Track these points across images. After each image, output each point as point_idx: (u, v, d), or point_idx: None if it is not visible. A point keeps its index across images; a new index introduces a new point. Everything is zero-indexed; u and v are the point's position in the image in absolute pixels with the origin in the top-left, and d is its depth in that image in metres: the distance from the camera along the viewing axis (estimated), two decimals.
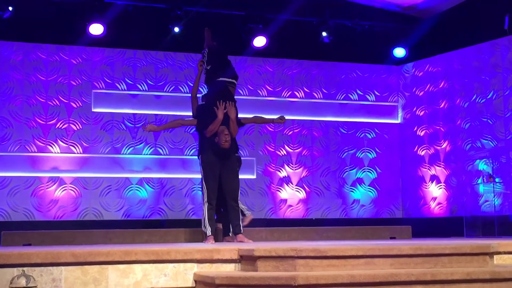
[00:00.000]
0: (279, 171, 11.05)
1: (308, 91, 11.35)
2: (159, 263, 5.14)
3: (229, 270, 5.29)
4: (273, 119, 8.18)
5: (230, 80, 7.86)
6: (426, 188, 11.21)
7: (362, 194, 11.40)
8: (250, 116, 8.60)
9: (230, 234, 7.68)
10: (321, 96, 11.42)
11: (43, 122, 10.05)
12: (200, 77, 8.16)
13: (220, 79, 7.81)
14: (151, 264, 5.14)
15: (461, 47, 10.81)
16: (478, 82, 10.54)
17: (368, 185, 11.45)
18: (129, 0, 10.04)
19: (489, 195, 9.97)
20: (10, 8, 9.48)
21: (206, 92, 8.28)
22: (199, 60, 8.24)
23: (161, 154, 10.49)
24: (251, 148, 10.88)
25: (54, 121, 10.10)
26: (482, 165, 10.23)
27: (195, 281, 5.22)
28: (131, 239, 8.00)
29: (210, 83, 7.96)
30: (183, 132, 10.47)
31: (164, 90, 10.64)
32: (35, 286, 4.82)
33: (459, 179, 10.66)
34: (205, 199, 7.44)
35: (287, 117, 8.51)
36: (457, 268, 5.09)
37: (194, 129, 8.36)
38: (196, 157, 8.15)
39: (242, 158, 8.41)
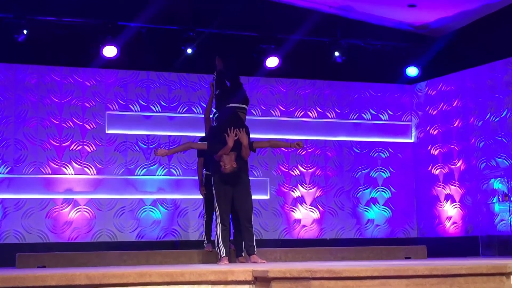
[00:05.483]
0: (293, 191, 11.03)
1: (321, 111, 11.35)
2: (173, 285, 5.12)
3: None
4: (290, 143, 7.81)
5: (240, 105, 7.64)
6: (441, 207, 11.15)
7: (376, 214, 11.35)
8: (265, 140, 8.46)
9: (243, 255, 7.66)
10: (334, 116, 11.42)
11: (57, 144, 10.10)
12: (213, 99, 8.18)
13: (230, 105, 7.60)
14: (165, 286, 5.11)
15: (474, 66, 10.78)
16: (492, 101, 10.50)
17: (382, 205, 11.40)
18: (142, 22, 10.12)
19: (504, 214, 9.90)
20: (25, 32, 9.56)
21: (217, 115, 8.04)
22: (211, 82, 8.26)
23: (174, 175, 10.50)
24: (265, 168, 10.87)
25: (68, 143, 10.15)
26: (497, 184, 10.17)
27: None
28: (145, 260, 8.00)
29: (219, 108, 7.76)
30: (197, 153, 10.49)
31: (178, 111, 10.68)
32: None
33: (474, 198, 10.59)
34: (218, 220, 7.43)
35: (300, 137, 8.52)
36: None
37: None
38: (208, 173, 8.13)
39: (255, 178, 8.38)
